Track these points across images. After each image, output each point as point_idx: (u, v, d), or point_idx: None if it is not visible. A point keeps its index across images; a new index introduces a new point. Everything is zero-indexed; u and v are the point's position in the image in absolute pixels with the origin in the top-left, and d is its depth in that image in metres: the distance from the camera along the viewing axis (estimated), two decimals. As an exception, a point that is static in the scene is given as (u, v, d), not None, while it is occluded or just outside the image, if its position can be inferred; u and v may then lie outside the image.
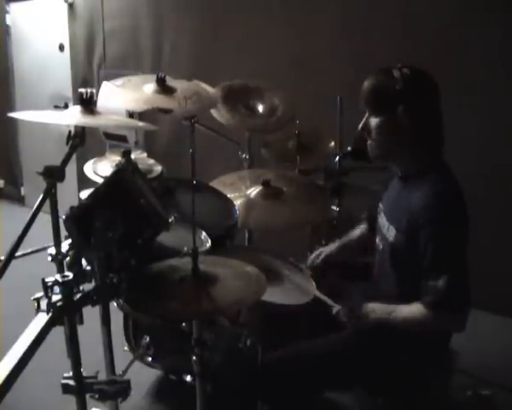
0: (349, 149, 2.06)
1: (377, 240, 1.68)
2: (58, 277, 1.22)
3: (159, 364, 2.11)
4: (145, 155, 2.58)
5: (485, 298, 2.58)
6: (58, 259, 1.46)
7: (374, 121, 1.54)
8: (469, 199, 1.47)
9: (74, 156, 1.36)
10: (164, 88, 1.86)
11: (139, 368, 2.08)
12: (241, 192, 2.17)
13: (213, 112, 2.30)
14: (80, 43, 4.62)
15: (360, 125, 1.59)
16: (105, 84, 1.85)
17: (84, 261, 1.33)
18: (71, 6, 4.60)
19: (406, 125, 1.48)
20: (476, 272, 1.43)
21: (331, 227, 2.32)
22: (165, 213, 1.42)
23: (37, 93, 4.88)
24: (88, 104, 1.47)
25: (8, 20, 5.16)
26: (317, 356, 1.61)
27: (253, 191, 2.14)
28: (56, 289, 1.21)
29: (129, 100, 1.87)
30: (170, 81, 1.90)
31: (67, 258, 1.37)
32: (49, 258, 1.48)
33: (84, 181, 2.40)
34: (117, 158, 2.16)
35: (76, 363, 1.28)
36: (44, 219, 1.36)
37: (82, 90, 1.50)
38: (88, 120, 1.46)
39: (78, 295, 1.26)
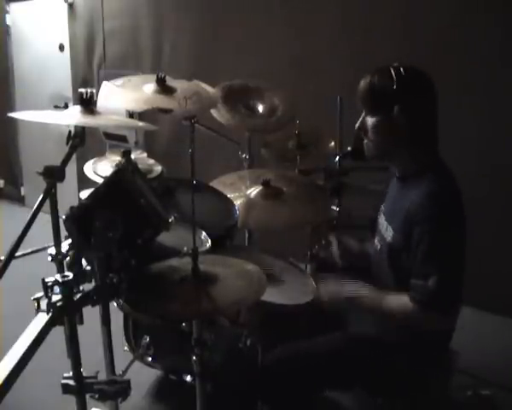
0: (349, 149, 2.06)
1: (376, 240, 1.68)
2: (58, 277, 1.22)
3: (159, 364, 2.12)
4: (145, 155, 2.58)
5: (485, 298, 2.59)
6: (58, 259, 1.46)
7: (370, 121, 1.54)
8: (469, 199, 1.47)
9: (74, 156, 1.36)
10: (164, 88, 1.86)
11: (139, 368, 2.08)
12: (241, 192, 2.17)
13: (213, 112, 2.30)
14: (80, 43, 4.62)
15: (357, 125, 1.59)
16: (105, 84, 1.85)
17: (84, 261, 1.33)
18: (71, 6, 4.60)
19: (403, 125, 1.48)
20: (476, 272, 1.43)
21: (331, 227, 2.31)
22: (165, 213, 1.42)
23: (37, 93, 4.88)
24: (88, 104, 1.47)
25: (8, 20, 5.16)
26: (317, 356, 1.61)
27: (253, 191, 2.14)
28: (56, 289, 1.21)
29: (129, 100, 1.87)
30: (170, 81, 1.90)
31: (67, 258, 1.37)
32: (49, 258, 1.48)
33: (84, 181, 2.40)
34: (117, 158, 2.16)
35: (76, 363, 1.28)
36: (44, 219, 1.36)
37: (82, 90, 1.50)
38: (88, 120, 1.46)
39: (78, 295, 1.26)
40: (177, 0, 4.01)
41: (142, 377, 2.32)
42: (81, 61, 4.64)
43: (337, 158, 2.26)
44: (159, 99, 1.83)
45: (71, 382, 1.29)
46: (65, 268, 1.39)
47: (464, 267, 1.45)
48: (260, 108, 2.54)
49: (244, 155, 2.57)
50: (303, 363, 1.61)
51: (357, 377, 1.62)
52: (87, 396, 1.32)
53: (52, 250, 1.48)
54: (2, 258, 1.17)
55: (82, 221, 1.28)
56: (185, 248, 1.61)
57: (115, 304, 1.81)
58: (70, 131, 1.38)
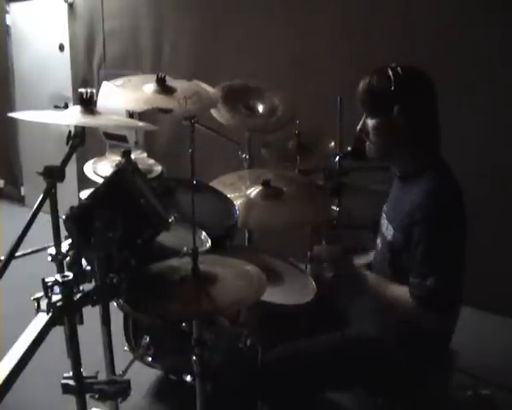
0: (349, 149, 2.05)
1: (378, 240, 1.69)
2: (58, 277, 1.22)
3: (159, 364, 2.12)
4: (145, 155, 2.58)
5: (485, 298, 2.59)
6: (58, 259, 1.46)
7: (371, 123, 1.54)
8: (469, 199, 1.47)
9: (74, 156, 1.36)
10: (164, 88, 1.86)
11: (139, 368, 2.08)
12: (241, 192, 2.17)
13: (213, 112, 2.30)
14: (80, 43, 4.62)
15: (358, 127, 1.59)
16: (105, 84, 1.85)
17: (84, 261, 1.33)
18: (71, 6, 4.60)
19: (402, 125, 1.48)
20: (476, 272, 1.43)
21: (331, 227, 2.31)
22: (165, 213, 1.42)
23: (37, 93, 4.88)
24: (88, 104, 1.47)
25: (8, 20, 5.16)
26: (317, 355, 1.61)
27: (253, 191, 2.14)
28: (56, 289, 1.21)
29: (129, 100, 1.87)
30: (170, 81, 1.90)
31: (67, 258, 1.37)
32: (49, 258, 1.48)
33: (84, 181, 2.40)
34: (117, 158, 2.16)
35: (76, 363, 1.28)
36: (44, 219, 1.36)
37: (82, 90, 1.50)
38: (88, 120, 1.46)
39: (78, 295, 1.26)
40: (177, 0, 4.01)
41: (142, 377, 2.32)
42: (81, 61, 4.64)
43: (337, 158, 2.26)
44: (159, 99, 1.83)
45: (71, 382, 1.29)
46: (65, 268, 1.39)
47: (464, 267, 1.45)
48: (260, 108, 2.54)
49: (244, 155, 2.57)
50: (303, 362, 1.61)
51: (357, 378, 1.62)
52: (87, 396, 1.32)
53: (52, 250, 1.48)
54: (2, 258, 1.17)
55: (82, 221, 1.28)
56: (185, 248, 1.61)
57: (115, 304, 1.81)
58: (70, 131, 1.38)
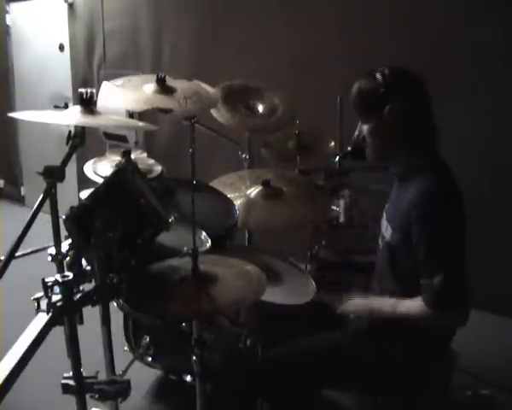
0: (349, 149, 2.06)
1: (379, 241, 1.69)
2: (58, 277, 1.22)
3: (159, 364, 2.11)
4: (145, 155, 2.58)
5: (485, 298, 2.59)
6: (58, 259, 1.46)
7: (365, 128, 1.55)
8: (469, 199, 1.47)
9: (74, 156, 1.36)
10: (164, 88, 1.86)
11: (139, 368, 2.08)
12: (241, 192, 2.17)
13: (213, 112, 2.30)
14: (80, 43, 4.62)
15: (355, 134, 1.60)
16: (105, 84, 1.85)
17: (84, 261, 1.33)
18: (71, 6, 4.61)
19: (395, 126, 1.49)
20: (476, 272, 1.43)
21: (331, 227, 2.32)
22: (165, 213, 1.42)
23: (37, 93, 4.88)
24: (88, 104, 1.47)
25: (8, 20, 5.16)
26: (317, 354, 1.61)
27: (253, 191, 2.14)
28: (56, 289, 1.21)
29: (129, 100, 1.87)
30: (170, 81, 1.90)
31: (67, 258, 1.37)
32: (49, 258, 1.48)
33: (84, 181, 2.40)
34: (117, 158, 2.16)
35: (76, 363, 1.28)
36: (44, 219, 1.36)
37: (82, 90, 1.50)
38: (88, 120, 1.46)
39: (78, 295, 1.26)
40: (176, 0, 4.01)
41: (142, 377, 2.32)
42: (81, 61, 4.64)
43: (337, 158, 2.26)
44: (159, 99, 1.83)
45: (71, 382, 1.29)
46: (65, 268, 1.39)
47: (465, 263, 1.45)
48: (260, 108, 2.54)
49: (244, 155, 2.57)
50: (303, 360, 1.61)
51: (357, 377, 1.62)
52: (87, 396, 1.32)
53: (52, 250, 1.48)
54: (2, 258, 1.17)
55: (82, 221, 1.28)
56: (185, 248, 1.61)
57: (115, 304, 1.81)
58: (70, 131, 1.38)
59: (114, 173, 1.41)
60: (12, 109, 5.00)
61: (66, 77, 4.70)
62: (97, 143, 3.69)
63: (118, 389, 1.31)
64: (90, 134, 1.51)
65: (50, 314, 1.19)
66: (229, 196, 2.13)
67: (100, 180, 2.06)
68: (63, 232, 1.36)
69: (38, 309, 1.22)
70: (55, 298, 1.20)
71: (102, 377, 1.36)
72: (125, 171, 1.42)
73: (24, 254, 1.54)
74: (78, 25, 4.60)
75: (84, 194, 1.86)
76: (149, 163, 2.40)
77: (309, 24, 3.28)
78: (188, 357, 1.51)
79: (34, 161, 4.65)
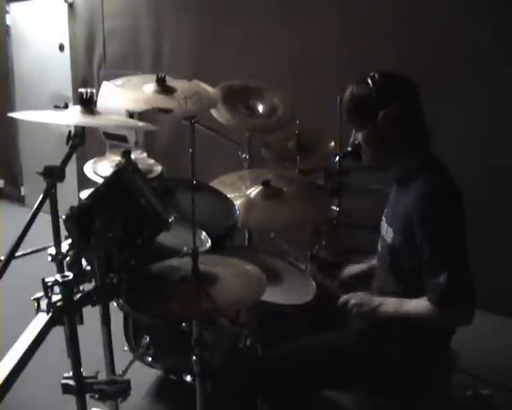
0: (349, 149, 2.06)
1: (379, 244, 1.69)
2: (58, 277, 1.22)
3: (159, 364, 2.12)
4: (145, 155, 2.58)
5: (485, 298, 2.57)
6: (58, 259, 1.46)
7: (360, 136, 1.56)
8: (467, 199, 1.47)
9: (74, 156, 1.36)
10: (164, 88, 1.86)
11: (139, 368, 2.08)
12: (241, 192, 2.17)
13: (213, 112, 2.30)
14: (80, 43, 4.62)
15: (350, 141, 1.61)
16: (105, 84, 1.85)
17: (84, 261, 1.33)
18: (71, 6, 4.60)
19: (390, 132, 1.49)
20: (476, 272, 1.43)
21: (331, 227, 2.32)
22: (165, 213, 1.42)
23: (37, 93, 4.88)
24: (88, 104, 1.47)
25: (8, 20, 5.16)
26: (317, 354, 1.61)
27: (253, 191, 2.15)
28: (56, 289, 1.21)
29: (129, 100, 1.87)
30: (170, 81, 1.90)
31: (67, 258, 1.37)
32: (49, 258, 1.48)
33: (84, 181, 2.40)
34: (117, 158, 2.16)
35: (76, 363, 1.28)
36: (44, 219, 1.36)
37: (82, 90, 1.50)
38: (88, 120, 1.46)
39: (78, 295, 1.26)
40: (176, 1, 4.01)
41: (142, 377, 2.32)
42: (81, 61, 4.64)
43: (337, 158, 2.26)
44: (159, 99, 1.83)
45: (71, 382, 1.29)
46: (65, 268, 1.39)
47: (469, 262, 1.45)
48: (260, 108, 2.54)
49: (244, 155, 2.57)
50: (303, 360, 1.61)
51: (357, 377, 1.62)
52: (87, 396, 1.32)
53: (52, 250, 1.48)
54: (2, 258, 1.17)
55: (82, 221, 1.28)
56: (185, 248, 1.61)
57: (115, 304, 1.81)
58: (70, 131, 1.38)
59: (114, 173, 1.41)
60: (12, 109, 5.00)
61: (66, 77, 4.70)
62: (97, 143, 3.69)
63: (118, 389, 1.31)
64: (90, 134, 1.51)
65: (50, 314, 1.19)
66: (229, 196, 2.13)
67: (100, 180, 2.06)
68: (63, 232, 1.36)
69: (38, 309, 1.22)
70: (55, 298, 1.20)
71: (102, 377, 1.36)
72: (125, 171, 1.42)
73: (24, 254, 1.54)
74: (78, 25, 4.60)
75: (84, 194, 1.87)
76: (149, 163, 2.41)
77: (309, 24, 3.27)
78: (188, 357, 1.52)
79: (34, 161, 4.65)
